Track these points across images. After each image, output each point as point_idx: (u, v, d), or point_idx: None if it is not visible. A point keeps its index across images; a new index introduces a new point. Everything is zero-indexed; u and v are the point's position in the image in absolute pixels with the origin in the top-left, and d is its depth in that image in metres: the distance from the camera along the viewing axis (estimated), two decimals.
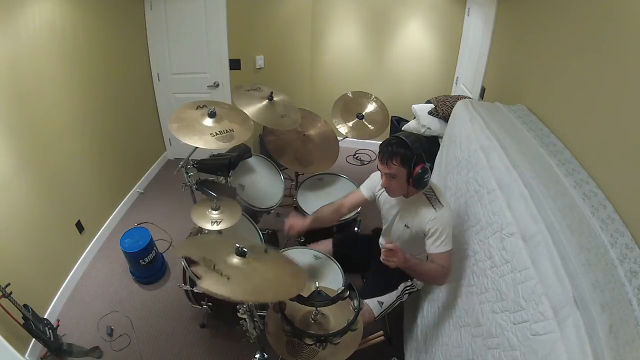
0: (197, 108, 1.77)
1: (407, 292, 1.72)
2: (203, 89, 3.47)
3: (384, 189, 1.56)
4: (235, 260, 1.22)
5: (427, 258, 1.63)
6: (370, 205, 1.79)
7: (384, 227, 1.79)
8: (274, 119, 2.13)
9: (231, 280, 1.12)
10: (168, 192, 3.36)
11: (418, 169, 1.39)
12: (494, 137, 1.65)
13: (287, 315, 1.30)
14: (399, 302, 1.70)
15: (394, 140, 1.44)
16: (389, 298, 1.68)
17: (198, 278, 1.13)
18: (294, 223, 1.76)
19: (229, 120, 1.78)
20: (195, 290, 1.93)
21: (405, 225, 1.58)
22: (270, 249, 1.38)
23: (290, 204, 2.38)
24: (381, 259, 1.43)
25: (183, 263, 1.86)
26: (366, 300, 1.62)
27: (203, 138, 1.66)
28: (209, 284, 1.11)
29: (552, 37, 1.87)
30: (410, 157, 1.39)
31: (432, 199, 1.50)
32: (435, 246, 1.46)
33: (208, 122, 1.74)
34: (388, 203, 1.68)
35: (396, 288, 1.71)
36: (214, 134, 1.69)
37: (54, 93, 2.25)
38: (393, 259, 1.38)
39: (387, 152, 1.43)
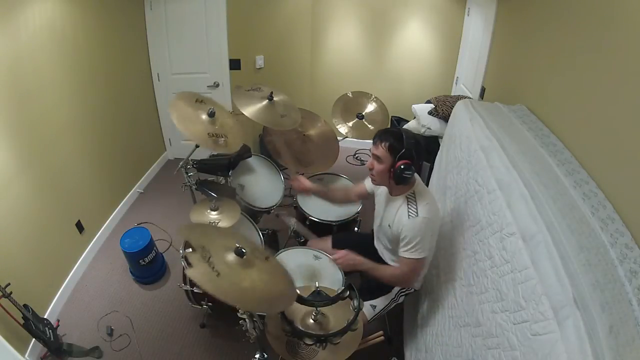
0: (196, 101, 1.78)
1: (402, 294, 1.72)
2: (203, 89, 3.46)
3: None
4: (232, 258, 1.22)
5: None
6: (371, 198, 1.83)
7: (374, 225, 1.81)
8: (274, 119, 2.13)
9: (220, 277, 1.13)
10: (168, 192, 3.36)
11: (401, 163, 1.41)
12: (494, 137, 1.65)
13: (287, 315, 1.31)
14: (394, 304, 1.71)
15: (392, 129, 1.51)
16: (382, 301, 1.69)
17: (190, 265, 1.14)
18: (301, 179, 1.93)
19: (225, 126, 1.79)
20: (195, 290, 1.93)
21: (388, 225, 1.60)
22: (271, 257, 1.37)
23: (290, 204, 2.38)
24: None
25: (183, 263, 1.86)
26: None
27: (198, 134, 1.67)
28: (196, 274, 1.12)
29: (552, 37, 1.87)
30: (399, 148, 1.43)
31: (412, 205, 1.49)
32: (402, 250, 1.49)
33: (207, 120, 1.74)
34: (380, 199, 1.72)
35: (390, 291, 1.71)
36: (212, 135, 1.69)
37: (54, 93, 2.25)
38: (342, 264, 1.62)
39: (381, 135, 1.49)
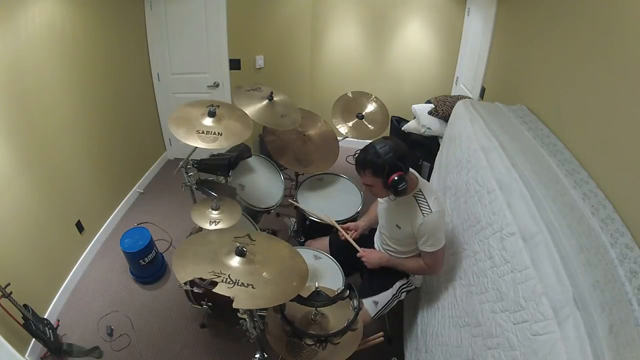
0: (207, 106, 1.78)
1: (404, 290, 1.73)
2: (203, 89, 3.47)
3: None
4: (238, 262, 1.22)
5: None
6: None
7: (379, 223, 1.81)
8: (274, 119, 2.12)
9: (256, 287, 1.14)
10: (168, 192, 3.36)
11: (394, 177, 1.38)
12: (494, 137, 1.65)
13: (287, 315, 1.31)
14: (396, 301, 1.71)
15: (366, 149, 1.45)
16: (384, 297, 1.69)
17: (232, 299, 1.12)
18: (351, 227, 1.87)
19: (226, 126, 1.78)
20: (195, 290, 1.93)
21: (396, 225, 1.60)
22: (253, 234, 1.37)
23: (290, 204, 2.38)
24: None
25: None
26: None
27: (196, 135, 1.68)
28: (243, 301, 1.11)
29: (552, 37, 1.87)
30: (381, 167, 1.39)
31: (422, 202, 1.48)
32: (425, 246, 1.52)
33: (207, 121, 1.74)
34: (381, 200, 1.71)
35: (392, 286, 1.71)
36: (200, 132, 1.69)
37: (54, 93, 2.25)
38: (368, 263, 1.67)
39: (359, 162, 1.46)
